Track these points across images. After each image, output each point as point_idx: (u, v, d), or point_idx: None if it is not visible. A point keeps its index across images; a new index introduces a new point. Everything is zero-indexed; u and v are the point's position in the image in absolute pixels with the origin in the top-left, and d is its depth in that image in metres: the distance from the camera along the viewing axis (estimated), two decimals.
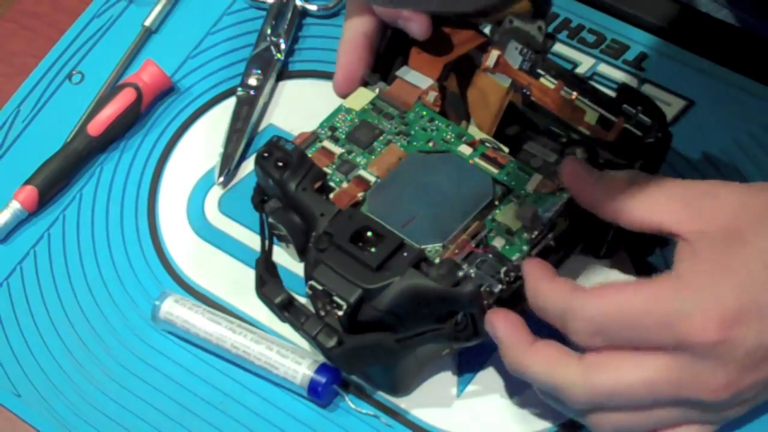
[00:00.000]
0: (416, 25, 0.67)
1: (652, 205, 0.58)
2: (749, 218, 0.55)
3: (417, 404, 0.66)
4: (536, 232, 0.63)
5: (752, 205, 0.56)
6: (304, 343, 0.68)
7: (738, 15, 0.84)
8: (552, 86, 0.68)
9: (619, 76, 0.75)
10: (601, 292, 0.57)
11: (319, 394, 0.66)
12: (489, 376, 0.66)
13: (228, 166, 0.75)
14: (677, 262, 0.55)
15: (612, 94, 0.68)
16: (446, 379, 0.67)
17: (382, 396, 0.67)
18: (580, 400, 0.57)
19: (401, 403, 0.66)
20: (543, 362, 0.58)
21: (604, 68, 0.76)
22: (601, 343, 0.56)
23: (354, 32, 0.70)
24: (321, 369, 0.66)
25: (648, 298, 0.55)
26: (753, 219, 0.55)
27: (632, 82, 0.75)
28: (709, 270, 0.54)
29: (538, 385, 0.59)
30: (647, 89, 0.74)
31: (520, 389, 0.65)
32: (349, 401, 0.66)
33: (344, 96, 0.70)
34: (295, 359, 0.66)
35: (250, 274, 0.70)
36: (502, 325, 0.59)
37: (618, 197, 0.58)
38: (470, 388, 0.66)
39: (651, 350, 0.55)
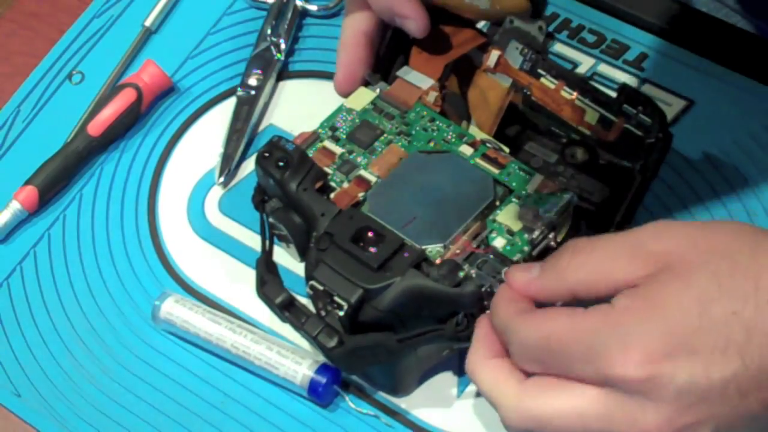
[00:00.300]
0: (414, 24, 0.67)
1: (599, 271, 0.56)
2: (696, 257, 0.53)
3: (417, 404, 0.66)
4: (537, 233, 0.63)
5: (700, 244, 0.53)
6: (304, 343, 0.68)
7: (753, 21, 0.84)
8: (552, 86, 0.68)
9: (619, 76, 0.75)
10: (536, 318, 0.56)
11: (319, 394, 0.66)
12: None
13: (228, 166, 0.75)
14: (616, 296, 0.54)
15: (612, 94, 0.68)
16: (446, 379, 0.67)
17: (382, 396, 0.67)
18: (512, 423, 0.56)
19: (401, 403, 0.66)
20: (489, 378, 0.57)
21: (604, 68, 0.76)
22: (537, 370, 0.55)
23: (354, 31, 0.70)
24: (321, 369, 0.66)
25: (577, 327, 0.53)
26: (699, 258, 0.53)
27: (632, 82, 0.75)
28: (641, 307, 0.52)
29: (481, 391, 0.58)
30: (647, 89, 0.74)
31: None
32: (350, 401, 0.66)
33: (345, 95, 0.70)
34: (295, 359, 0.66)
35: (250, 274, 0.70)
36: (478, 330, 0.59)
37: (567, 277, 0.56)
38: (470, 388, 0.66)
39: (585, 382, 0.54)
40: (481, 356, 0.58)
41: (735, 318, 0.51)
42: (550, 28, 0.77)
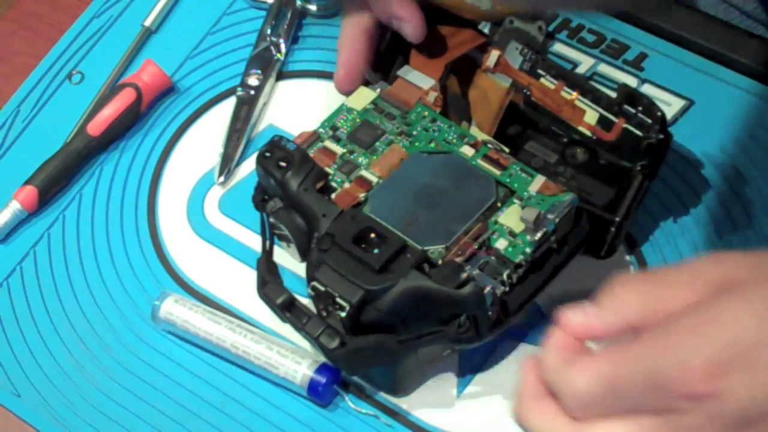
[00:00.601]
0: (410, 28, 0.67)
1: (658, 302, 0.55)
2: (753, 278, 0.52)
3: (417, 404, 0.66)
4: (539, 234, 0.62)
5: (757, 268, 0.52)
6: (304, 343, 0.68)
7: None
8: (552, 86, 0.68)
9: (619, 76, 0.75)
10: (585, 366, 0.55)
11: (319, 394, 0.66)
12: (489, 376, 0.66)
13: (228, 166, 0.76)
14: (670, 319, 0.52)
15: (612, 94, 0.68)
16: (446, 379, 0.67)
17: (381, 396, 0.67)
18: None
19: (401, 403, 0.66)
20: (542, 416, 0.55)
21: (604, 68, 0.76)
22: (592, 417, 0.53)
23: (353, 28, 0.70)
24: (321, 369, 0.66)
25: (630, 361, 0.52)
26: (756, 279, 0.52)
27: (632, 82, 0.75)
28: (698, 323, 0.52)
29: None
30: (647, 89, 0.74)
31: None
32: (349, 401, 0.66)
33: (346, 93, 0.70)
34: (295, 359, 0.66)
35: (249, 274, 0.70)
36: (526, 373, 0.57)
37: (625, 311, 0.54)
38: (470, 388, 0.66)
39: (642, 413, 0.53)
40: (531, 396, 0.56)
41: None
42: (550, 28, 0.77)
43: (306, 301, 0.65)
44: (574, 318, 0.56)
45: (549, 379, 0.55)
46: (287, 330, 0.67)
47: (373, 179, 0.66)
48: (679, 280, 0.54)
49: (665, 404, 0.52)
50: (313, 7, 0.82)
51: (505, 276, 0.61)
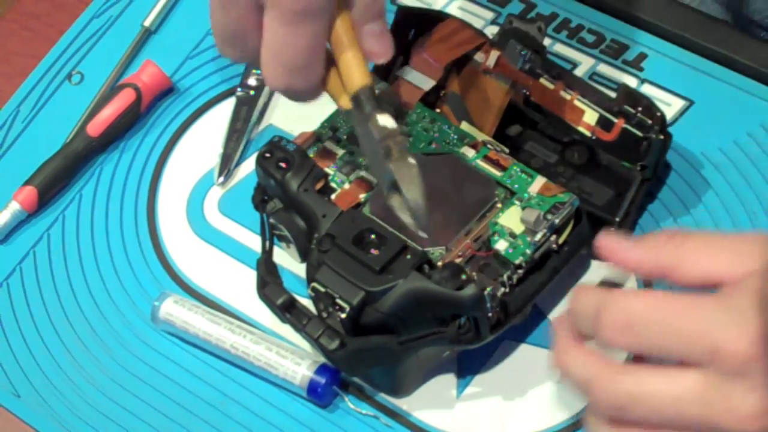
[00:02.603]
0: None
1: (703, 265, 0.55)
2: None
3: (416, 405, 0.66)
4: (539, 236, 0.62)
5: None
6: (303, 344, 0.67)
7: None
8: (552, 86, 0.68)
9: (619, 76, 0.75)
10: (643, 291, 0.56)
11: (318, 394, 0.66)
12: (489, 377, 0.66)
13: (228, 166, 0.75)
14: (721, 290, 0.54)
15: (612, 94, 0.68)
16: (446, 380, 0.67)
17: (381, 396, 0.67)
18: (604, 400, 0.55)
19: (401, 403, 0.66)
20: (581, 359, 0.56)
21: (603, 68, 0.76)
22: (630, 343, 0.54)
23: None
24: (320, 369, 0.66)
25: (689, 304, 0.53)
26: None
27: (632, 82, 0.75)
28: (753, 295, 0.52)
29: (574, 378, 0.57)
30: (647, 89, 0.74)
31: (519, 390, 0.65)
32: (349, 402, 0.66)
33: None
34: (294, 360, 0.66)
35: (249, 275, 0.70)
36: (560, 324, 0.58)
37: (661, 255, 0.56)
38: (470, 389, 0.66)
39: (682, 366, 0.53)
40: (569, 341, 0.57)
41: None
42: (550, 29, 0.77)
43: (306, 302, 0.65)
44: (610, 239, 0.57)
45: (593, 301, 0.55)
46: (287, 331, 0.67)
47: (373, 180, 0.66)
48: (723, 247, 0.55)
49: (708, 353, 0.52)
50: None
51: (505, 277, 0.61)
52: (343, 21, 0.58)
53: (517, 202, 0.64)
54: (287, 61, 0.59)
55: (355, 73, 0.59)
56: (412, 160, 0.59)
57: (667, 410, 0.53)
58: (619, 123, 0.67)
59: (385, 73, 0.72)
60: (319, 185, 0.65)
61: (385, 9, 0.60)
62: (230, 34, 0.59)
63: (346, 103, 0.59)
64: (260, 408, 0.67)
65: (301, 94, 0.61)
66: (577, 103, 0.68)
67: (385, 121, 0.59)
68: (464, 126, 0.69)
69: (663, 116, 0.66)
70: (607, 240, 0.57)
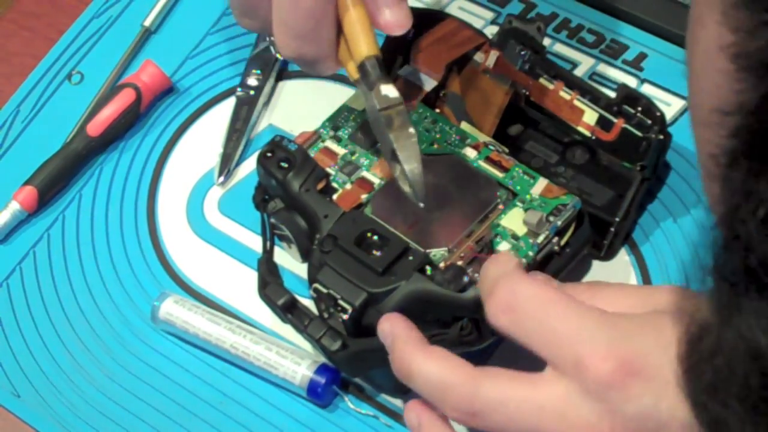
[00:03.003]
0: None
1: (614, 305, 0.55)
2: (693, 303, 0.51)
3: None
4: (541, 237, 0.62)
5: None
6: (303, 344, 0.67)
7: None
8: (551, 86, 0.68)
9: (618, 76, 0.75)
10: (542, 280, 0.55)
11: (318, 394, 0.66)
12: None
13: (228, 166, 0.75)
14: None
15: (611, 94, 0.68)
16: None
17: (382, 397, 0.67)
18: (462, 406, 0.54)
19: (401, 404, 0.66)
20: (437, 363, 0.55)
21: (603, 68, 0.76)
22: (506, 324, 0.53)
23: None
24: (320, 369, 0.66)
25: (574, 310, 0.53)
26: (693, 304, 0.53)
27: (632, 82, 0.75)
28: (639, 323, 0.52)
29: (426, 384, 0.56)
30: (647, 89, 0.74)
31: None
32: (349, 402, 0.66)
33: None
34: (294, 360, 0.66)
35: (249, 275, 0.70)
36: (400, 324, 0.58)
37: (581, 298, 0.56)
38: None
39: (546, 375, 0.52)
40: (419, 345, 0.56)
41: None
42: (550, 29, 0.77)
43: (307, 302, 0.65)
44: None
45: (489, 278, 0.55)
46: (287, 330, 0.67)
47: (375, 180, 0.66)
48: (636, 295, 0.55)
49: (572, 364, 0.51)
50: None
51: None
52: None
53: (519, 204, 0.64)
54: (294, 27, 0.59)
55: (361, 42, 0.59)
56: (411, 130, 0.59)
57: (526, 420, 0.52)
58: (619, 123, 0.67)
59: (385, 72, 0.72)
60: (320, 185, 0.65)
61: None
62: (244, 3, 0.60)
63: (354, 72, 0.60)
64: (260, 408, 0.67)
65: (313, 63, 0.61)
66: (577, 103, 0.68)
67: (388, 90, 0.59)
68: (464, 126, 0.69)
69: (663, 116, 0.66)
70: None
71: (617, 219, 0.66)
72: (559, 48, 0.77)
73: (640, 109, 0.66)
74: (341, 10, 0.59)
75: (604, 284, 0.58)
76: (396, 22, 0.60)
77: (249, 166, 0.75)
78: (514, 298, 0.54)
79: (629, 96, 0.67)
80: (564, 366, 0.52)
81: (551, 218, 0.63)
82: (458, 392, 0.54)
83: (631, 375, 0.50)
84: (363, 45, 0.59)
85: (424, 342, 0.57)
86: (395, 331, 0.58)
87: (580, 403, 0.51)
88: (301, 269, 0.66)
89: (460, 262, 0.62)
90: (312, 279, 0.62)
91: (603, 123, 0.67)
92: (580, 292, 0.56)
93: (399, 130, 0.60)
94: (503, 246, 0.63)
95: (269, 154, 0.66)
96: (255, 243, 0.71)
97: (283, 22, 0.59)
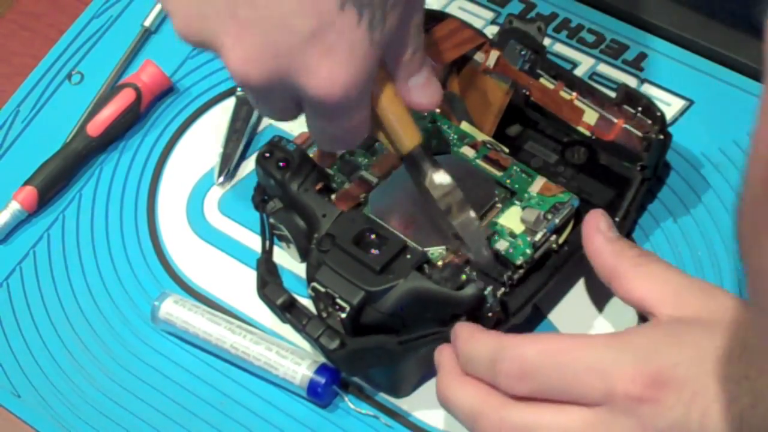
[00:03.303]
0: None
1: (645, 287, 0.57)
2: (727, 318, 0.53)
3: (417, 405, 0.66)
4: (539, 235, 0.62)
5: (740, 313, 0.54)
6: (303, 344, 0.67)
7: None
8: (552, 86, 0.68)
9: (618, 76, 0.75)
10: (536, 337, 0.56)
11: (318, 394, 0.66)
12: None
13: (228, 166, 0.75)
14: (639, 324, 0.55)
15: (611, 94, 0.68)
16: None
17: (381, 396, 0.67)
18: (490, 428, 0.55)
19: (401, 403, 0.66)
20: (471, 393, 0.57)
21: (603, 68, 0.76)
22: (528, 390, 0.54)
23: None
24: (320, 369, 0.66)
25: (585, 344, 0.54)
26: (729, 319, 0.53)
27: (632, 82, 0.75)
28: (659, 337, 0.53)
29: (460, 410, 0.58)
30: (647, 89, 0.74)
31: None
32: (349, 402, 0.66)
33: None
34: (294, 360, 0.66)
35: (249, 275, 0.70)
36: (445, 355, 0.59)
37: (617, 265, 0.58)
38: None
39: (575, 404, 0.53)
40: (457, 375, 0.58)
41: (746, 381, 0.50)
42: (550, 29, 0.77)
43: (306, 301, 0.65)
44: (599, 220, 0.60)
45: (489, 348, 0.56)
46: (287, 330, 0.67)
47: (373, 180, 0.66)
48: (677, 285, 0.56)
49: (602, 393, 0.52)
50: None
51: (505, 277, 0.61)
52: (387, 95, 0.58)
53: (517, 202, 0.64)
54: (330, 139, 0.59)
55: (404, 137, 0.60)
56: (472, 214, 0.61)
57: None
58: (619, 123, 0.67)
59: None
60: (319, 185, 0.65)
61: (426, 57, 0.59)
62: (275, 117, 0.60)
63: (387, 142, 0.61)
64: (260, 408, 0.67)
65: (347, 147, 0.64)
66: (577, 103, 0.68)
67: (440, 178, 0.61)
68: (464, 126, 0.69)
69: (663, 116, 0.66)
70: (596, 218, 0.59)
71: (617, 219, 0.66)
72: (559, 48, 0.77)
73: (640, 109, 0.66)
74: (380, 113, 0.59)
75: (651, 261, 0.59)
76: (429, 102, 0.60)
77: (249, 166, 0.75)
78: (520, 365, 0.54)
79: (629, 96, 0.67)
80: (595, 400, 0.53)
81: (549, 216, 0.63)
82: (487, 419, 0.55)
83: (662, 388, 0.51)
84: (407, 139, 0.60)
85: (461, 372, 0.58)
86: (440, 361, 0.59)
87: (612, 421, 0.52)
88: (301, 269, 0.66)
89: (457, 261, 0.62)
90: (310, 278, 0.62)
91: (603, 123, 0.67)
92: (629, 257, 0.57)
93: (459, 215, 0.61)
94: (501, 244, 0.63)
95: (268, 155, 0.66)
96: (255, 243, 0.71)
97: (318, 135, 0.59)
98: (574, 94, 0.68)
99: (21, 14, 0.85)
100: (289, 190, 0.65)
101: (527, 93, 0.69)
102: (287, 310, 0.64)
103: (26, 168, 0.76)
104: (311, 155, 0.67)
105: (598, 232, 0.60)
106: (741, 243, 0.43)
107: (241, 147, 0.76)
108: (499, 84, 0.68)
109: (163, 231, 0.75)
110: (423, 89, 0.59)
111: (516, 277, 0.62)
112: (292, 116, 0.58)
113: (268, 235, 0.68)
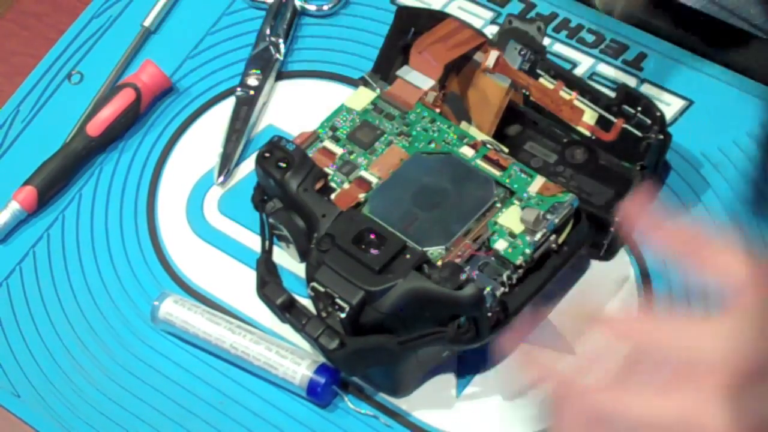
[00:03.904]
0: None
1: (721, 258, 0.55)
2: None
3: (416, 405, 0.66)
4: (539, 235, 0.62)
5: None
6: (303, 344, 0.67)
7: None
8: (551, 86, 0.68)
9: (618, 76, 0.75)
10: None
11: (318, 394, 0.66)
12: (488, 377, 0.66)
13: (227, 166, 0.75)
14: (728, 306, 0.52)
15: (611, 94, 0.68)
16: (446, 380, 0.67)
17: (381, 396, 0.67)
18: (582, 409, 0.53)
19: (400, 403, 0.66)
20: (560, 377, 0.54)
21: (603, 68, 0.76)
22: None
23: None
24: (320, 369, 0.66)
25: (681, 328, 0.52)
26: None
27: (632, 82, 0.75)
28: (749, 318, 0.51)
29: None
30: (647, 89, 0.74)
31: (519, 390, 0.65)
32: (349, 402, 0.66)
33: None
34: (294, 359, 0.66)
35: (248, 275, 0.70)
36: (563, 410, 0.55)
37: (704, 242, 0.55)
38: (470, 389, 0.66)
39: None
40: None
41: None
42: (549, 28, 0.77)
43: (305, 301, 0.65)
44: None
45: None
46: (286, 330, 0.67)
47: (373, 180, 0.66)
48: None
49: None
50: (311, 7, 0.82)
51: (504, 277, 0.61)
52: None
53: (516, 202, 0.64)
54: None
55: None
56: None
57: (647, 420, 0.51)
58: (619, 123, 0.67)
59: (384, 72, 0.72)
60: (318, 185, 0.65)
61: None
62: None
63: None
64: (260, 408, 0.67)
65: None
66: (576, 103, 0.68)
67: None
68: (464, 126, 0.69)
69: (663, 116, 0.66)
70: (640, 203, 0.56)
71: (617, 219, 0.66)
72: (559, 48, 0.77)
73: (640, 109, 0.66)
74: None
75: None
76: None
77: (248, 166, 0.75)
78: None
79: (629, 96, 0.67)
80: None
81: (548, 216, 0.63)
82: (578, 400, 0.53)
83: (761, 376, 0.50)
84: None
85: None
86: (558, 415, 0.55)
87: (709, 409, 0.50)
88: (300, 269, 0.66)
89: (457, 260, 0.62)
90: (310, 278, 0.62)
91: (603, 123, 0.67)
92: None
93: None
94: (500, 244, 0.63)
95: (267, 155, 0.66)
96: (255, 243, 0.71)
97: None
98: (574, 94, 0.68)
99: (21, 14, 0.85)
100: (289, 189, 0.65)
101: (527, 93, 0.69)
102: (287, 310, 0.64)
103: (26, 168, 0.76)
104: (311, 155, 0.67)
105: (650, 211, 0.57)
106: None
107: (240, 147, 0.76)
108: (499, 84, 0.69)
109: (162, 231, 0.75)
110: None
111: (515, 277, 0.62)
112: None
113: (268, 235, 0.68)
